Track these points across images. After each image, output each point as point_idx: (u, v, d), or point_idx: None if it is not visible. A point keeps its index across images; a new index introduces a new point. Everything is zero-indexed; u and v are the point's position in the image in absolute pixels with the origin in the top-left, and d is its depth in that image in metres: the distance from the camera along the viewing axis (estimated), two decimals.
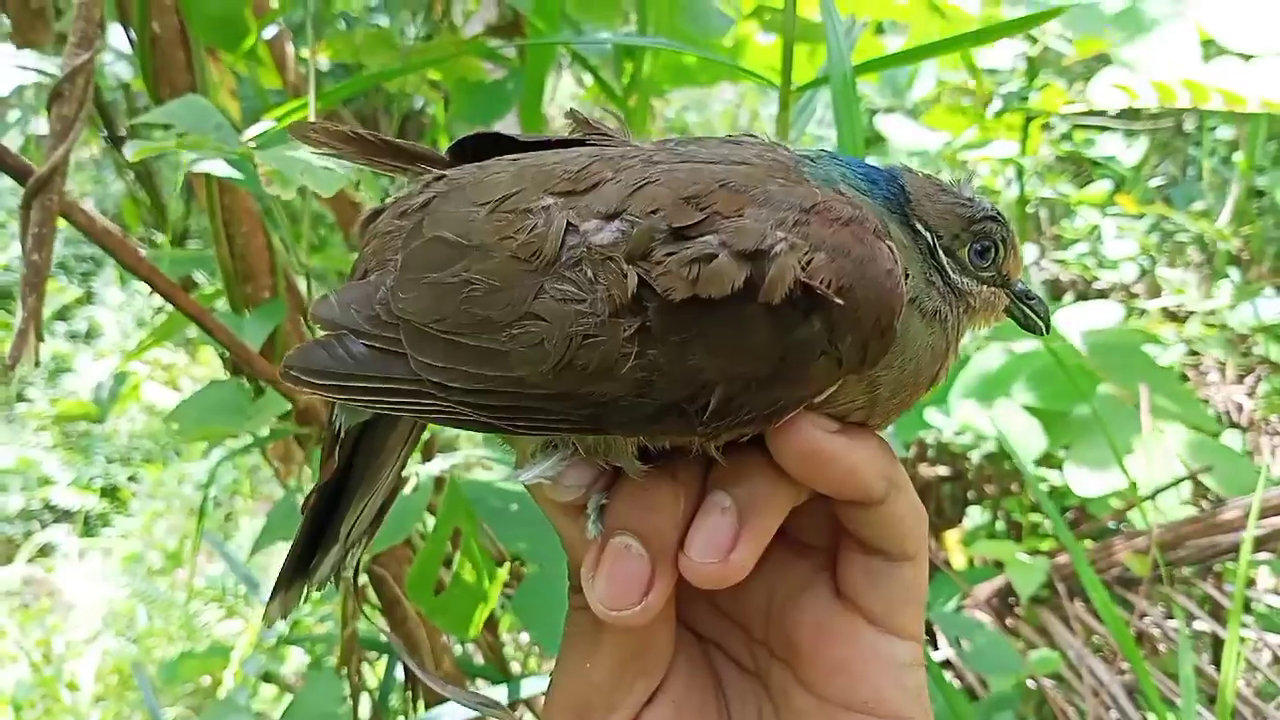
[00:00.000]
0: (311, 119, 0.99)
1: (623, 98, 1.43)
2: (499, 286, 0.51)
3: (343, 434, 0.63)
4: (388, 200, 0.63)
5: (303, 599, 0.67)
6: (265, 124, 0.98)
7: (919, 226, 0.58)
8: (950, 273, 0.58)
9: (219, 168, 0.88)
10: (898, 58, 1.00)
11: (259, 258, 1.21)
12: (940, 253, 0.58)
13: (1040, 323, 0.63)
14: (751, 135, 0.61)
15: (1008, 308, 0.62)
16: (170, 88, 1.14)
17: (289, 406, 1.03)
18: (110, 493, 4.47)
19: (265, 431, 1.20)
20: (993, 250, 0.59)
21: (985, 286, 0.60)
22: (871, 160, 0.62)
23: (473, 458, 1.24)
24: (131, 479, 4.50)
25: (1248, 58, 1.93)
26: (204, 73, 1.14)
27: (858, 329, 0.50)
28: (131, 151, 0.72)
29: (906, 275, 0.52)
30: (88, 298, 5.20)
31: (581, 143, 0.62)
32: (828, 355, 0.50)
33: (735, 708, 0.62)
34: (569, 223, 0.51)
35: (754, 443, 0.53)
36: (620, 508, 0.54)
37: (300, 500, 0.66)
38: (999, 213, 0.60)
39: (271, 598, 0.67)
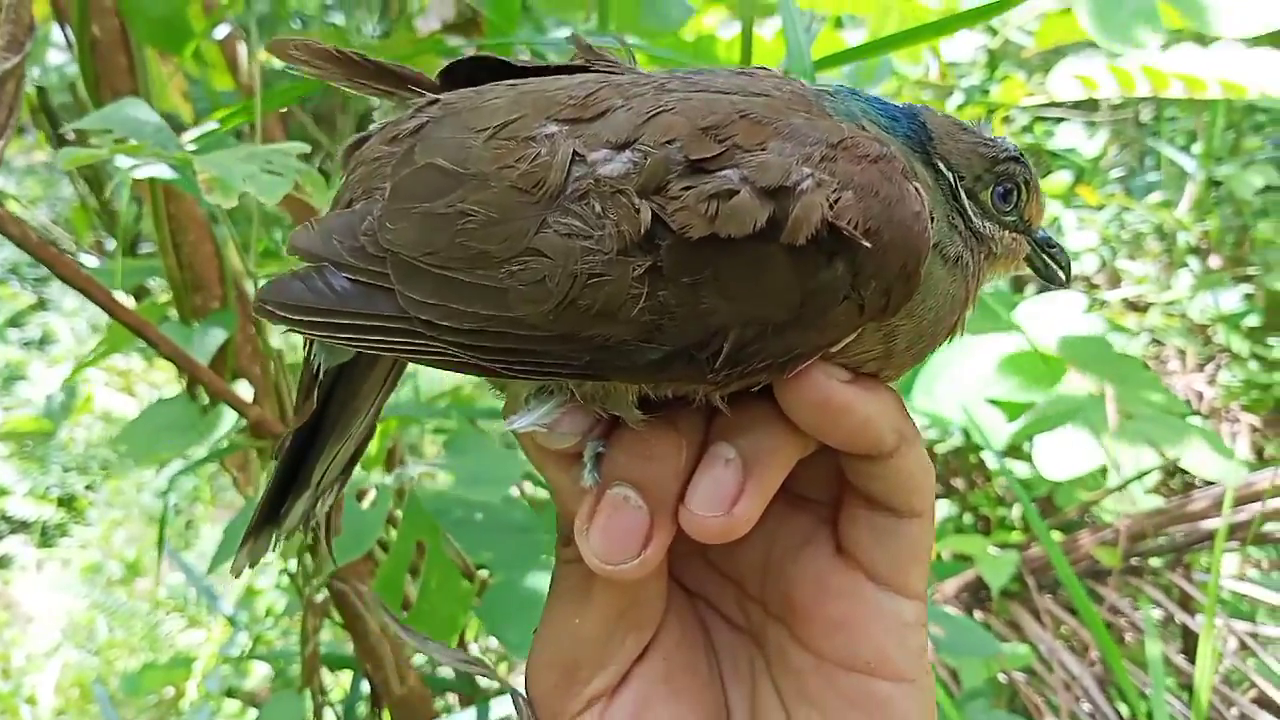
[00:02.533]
0: (257, 121, 0.96)
1: None
2: (497, 219, 0.47)
3: (321, 374, 0.59)
4: (374, 126, 0.58)
5: (271, 547, 0.64)
6: (208, 127, 0.95)
7: (941, 166, 0.54)
8: (972, 216, 0.55)
9: (160, 172, 0.84)
10: (860, 51, 0.98)
11: (208, 266, 1.17)
12: (962, 194, 0.55)
13: (1061, 272, 0.59)
14: (764, 68, 0.57)
15: (1028, 256, 0.58)
16: (112, 91, 1.09)
17: (243, 422, 0.99)
18: (68, 502, 4.39)
19: (224, 443, 1.16)
20: (1015, 193, 0.56)
21: (1007, 232, 0.57)
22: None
23: (431, 471, 1.21)
24: (89, 488, 4.43)
25: (1206, 43, 1.93)
26: (146, 76, 1.10)
27: (882, 274, 0.47)
28: (63, 160, 0.69)
29: (932, 218, 0.49)
30: (41, 304, 5.10)
31: (585, 69, 0.57)
32: (849, 301, 0.47)
33: (726, 664, 0.59)
34: (575, 152, 0.47)
35: (759, 392, 0.50)
36: (619, 457, 0.51)
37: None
38: (1022, 154, 0.56)
39: (240, 546, 0.63)
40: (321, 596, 1.29)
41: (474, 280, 0.47)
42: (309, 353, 0.60)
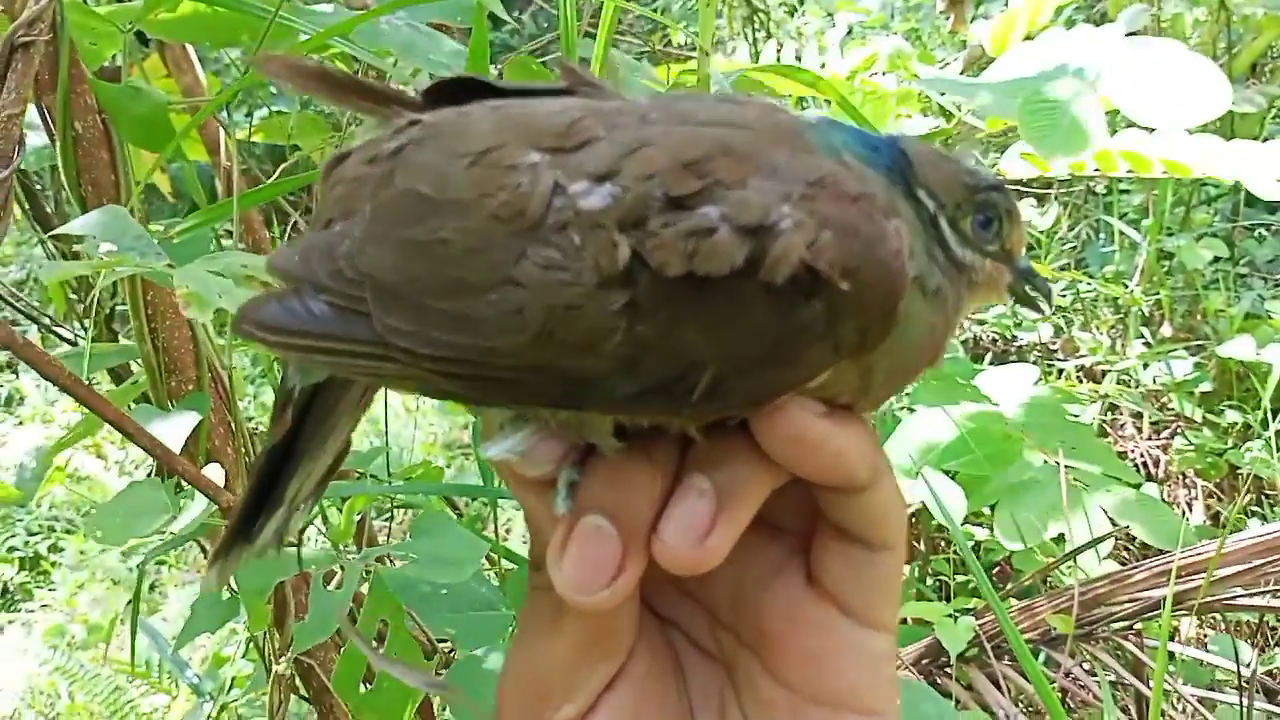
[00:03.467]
0: (234, 220, 1.00)
1: None
2: (476, 248, 0.46)
3: (296, 393, 0.59)
4: (354, 144, 0.58)
5: (241, 564, 0.63)
6: (187, 223, 0.99)
7: (922, 194, 0.54)
8: (953, 245, 0.54)
9: (140, 270, 0.88)
10: None
11: (183, 349, 1.20)
12: (943, 223, 0.54)
13: (1044, 302, 0.60)
14: (750, 95, 0.57)
15: (1010, 284, 0.58)
16: (93, 186, 1.13)
17: (216, 509, 1.02)
18: (31, 563, 4.34)
19: (196, 526, 1.18)
20: (996, 222, 0.56)
21: (988, 261, 0.56)
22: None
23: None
24: (53, 549, 4.38)
25: (1150, 130, 2.02)
26: (127, 173, 1.14)
27: (860, 314, 0.46)
28: (46, 274, 0.73)
29: (911, 254, 0.48)
30: (8, 364, 5.08)
31: (569, 93, 0.57)
32: (826, 340, 0.46)
33: (695, 692, 0.58)
34: (556, 182, 0.46)
35: (735, 423, 0.50)
36: (593, 486, 0.50)
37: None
38: (1003, 183, 0.56)
39: (211, 564, 0.63)
40: (288, 670, 1.31)
41: (451, 309, 0.47)
42: (284, 372, 0.60)
